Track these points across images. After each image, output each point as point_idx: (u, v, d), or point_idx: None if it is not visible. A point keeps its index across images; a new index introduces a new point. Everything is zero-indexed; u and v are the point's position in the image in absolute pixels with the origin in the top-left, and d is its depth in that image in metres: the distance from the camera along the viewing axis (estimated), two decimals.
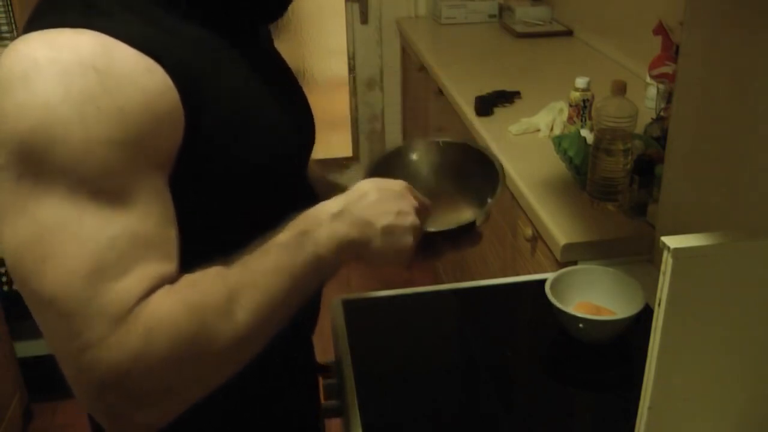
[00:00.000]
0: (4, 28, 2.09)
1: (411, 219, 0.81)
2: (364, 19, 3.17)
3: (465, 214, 0.92)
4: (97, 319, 0.64)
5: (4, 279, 2.16)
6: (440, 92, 2.40)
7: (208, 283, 0.71)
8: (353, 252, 0.79)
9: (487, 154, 0.95)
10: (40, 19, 0.69)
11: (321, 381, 1.16)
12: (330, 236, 0.77)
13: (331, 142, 3.39)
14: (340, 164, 3.41)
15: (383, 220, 0.79)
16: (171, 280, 0.70)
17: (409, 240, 0.81)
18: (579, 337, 1.13)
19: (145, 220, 0.68)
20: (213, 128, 0.73)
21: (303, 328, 1.00)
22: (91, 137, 0.64)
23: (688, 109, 1.21)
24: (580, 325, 1.11)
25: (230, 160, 0.76)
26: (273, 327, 0.75)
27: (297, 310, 0.76)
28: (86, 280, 0.64)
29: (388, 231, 0.79)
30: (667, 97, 1.66)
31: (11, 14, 2.11)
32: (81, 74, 0.64)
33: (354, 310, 1.20)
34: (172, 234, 0.71)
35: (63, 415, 2.32)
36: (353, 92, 3.29)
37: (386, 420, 1.02)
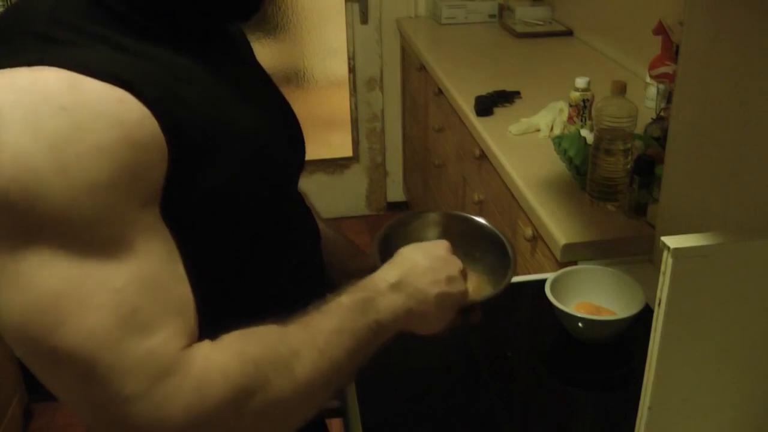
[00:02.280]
0: None
1: (460, 285, 0.84)
2: (364, 19, 3.17)
3: (487, 286, 0.95)
4: (135, 374, 0.60)
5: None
6: (440, 92, 2.40)
7: (265, 337, 0.69)
8: (410, 321, 0.81)
9: (492, 229, 0.99)
10: None
11: None
12: (389, 306, 0.79)
13: (331, 142, 3.39)
14: (340, 164, 3.41)
15: (436, 288, 0.82)
16: (195, 330, 0.67)
17: (457, 307, 0.84)
18: (579, 337, 1.13)
19: (150, 261, 0.63)
20: (193, 151, 0.68)
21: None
22: (73, 185, 0.58)
23: (688, 109, 1.21)
24: (580, 325, 1.11)
25: (214, 180, 0.71)
26: (331, 388, 0.74)
27: (354, 373, 0.77)
28: (109, 337, 0.59)
29: (441, 299, 0.82)
30: (667, 97, 1.66)
31: None
32: (49, 116, 0.58)
33: None
34: (179, 270, 0.67)
35: (63, 415, 2.32)
36: (353, 92, 3.29)
37: (386, 420, 1.02)
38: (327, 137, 3.39)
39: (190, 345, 0.65)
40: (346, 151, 3.40)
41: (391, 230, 0.98)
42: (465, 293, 0.84)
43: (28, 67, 0.61)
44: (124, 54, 0.66)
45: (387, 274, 0.81)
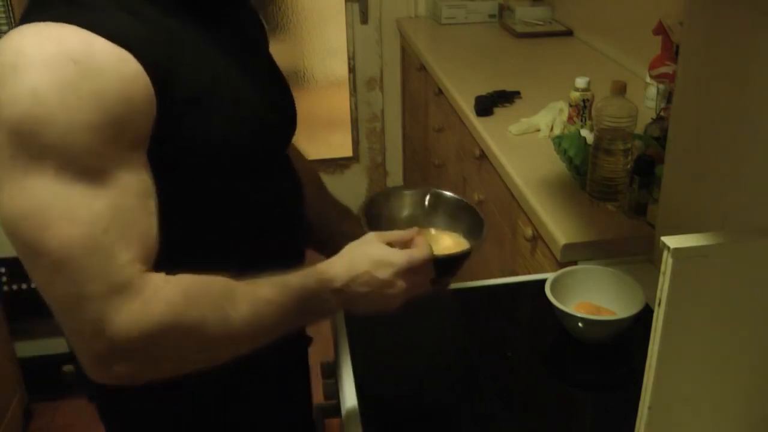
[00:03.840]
0: (4, 28, 2.09)
1: (400, 290, 0.91)
2: (364, 19, 3.17)
3: (460, 244, 1.03)
4: (96, 279, 0.73)
5: (4, 279, 2.16)
6: (440, 92, 2.40)
7: (213, 285, 0.81)
8: (343, 310, 0.95)
9: (473, 207, 1.06)
10: (31, 13, 0.77)
11: (322, 383, 1.16)
12: (327, 304, 0.89)
13: (331, 142, 3.39)
14: (340, 164, 3.41)
15: (376, 294, 0.90)
16: (153, 259, 0.79)
17: (396, 302, 0.91)
18: (579, 337, 1.13)
19: (126, 194, 0.76)
20: (183, 110, 0.81)
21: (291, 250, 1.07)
22: (73, 121, 0.72)
23: (688, 109, 1.21)
24: (580, 325, 1.11)
25: (200, 139, 0.84)
26: (256, 343, 0.85)
27: (282, 334, 0.88)
28: (80, 245, 0.73)
29: (379, 300, 0.91)
30: (667, 97, 1.66)
31: (11, 14, 2.11)
32: (63, 65, 0.72)
33: None
34: (150, 207, 0.79)
35: (63, 415, 2.32)
36: (353, 92, 3.29)
37: (386, 420, 1.02)
38: (327, 137, 3.39)
39: (146, 271, 0.77)
40: (346, 151, 3.40)
41: (376, 197, 1.07)
42: (404, 292, 0.91)
43: (55, 23, 0.74)
44: (136, 20, 0.79)
45: (336, 275, 0.89)
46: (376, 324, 1.19)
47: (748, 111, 1.05)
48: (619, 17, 2.43)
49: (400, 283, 0.90)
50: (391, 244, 0.93)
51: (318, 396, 1.20)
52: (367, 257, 0.91)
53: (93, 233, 0.73)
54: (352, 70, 3.24)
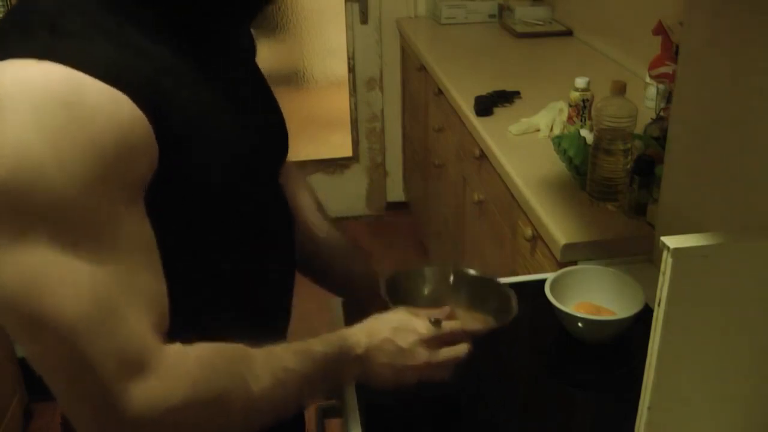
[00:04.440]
0: None
1: (420, 360, 0.88)
2: (364, 19, 3.17)
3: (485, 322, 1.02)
4: (110, 358, 0.65)
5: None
6: (440, 92, 2.40)
7: (233, 355, 0.76)
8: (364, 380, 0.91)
9: (502, 287, 1.04)
10: (9, 43, 0.66)
11: None
12: (348, 372, 0.88)
13: (331, 142, 3.39)
14: (340, 164, 3.41)
15: (396, 363, 0.88)
16: (166, 321, 0.72)
17: (414, 375, 0.89)
18: (579, 337, 1.13)
19: (130, 252, 0.68)
20: (176, 147, 0.72)
21: (273, 332, 0.98)
22: (68, 177, 0.62)
23: (688, 109, 1.21)
24: (580, 325, 1.11)
25: (193, 176, 0.75)
26: (278, 414, 0.81)
27: (307, 404, 0.88)
28: (88, 321, 0.64)
29: (398, 370, 0.88)
30: (667, 97, 1.66)
31: None
32: (52, 110, 0.62)
33: (354, 309, 1.20)
34: (156, 265, 0.71)
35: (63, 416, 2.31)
36: (353, 92, 3.29)
37: (386, 420, 1.02)
38: (327, 137, 3.39)
39: (161, 338, 0.70)
40: (346, 151, 3.40)
41: (397, 276, 1.04)
42: (421, 365, 0.89)
43: (37, 60, 0.64)
44: (124, 49, 0.69)
45: (356, 345, 0.87)
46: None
47: (748, 111, 1.05)
48: (619, 17, 2.43)
49: (422, 353, 0.88)
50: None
51: None
52: (389, 324, 0.89)
53: (99, 304, 0.64)
54: (351, 70, 3.24)
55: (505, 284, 1.03)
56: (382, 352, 0.87)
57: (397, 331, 0.88)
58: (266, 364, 0.77)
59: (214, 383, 0.72)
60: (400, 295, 1.00)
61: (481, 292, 1.04)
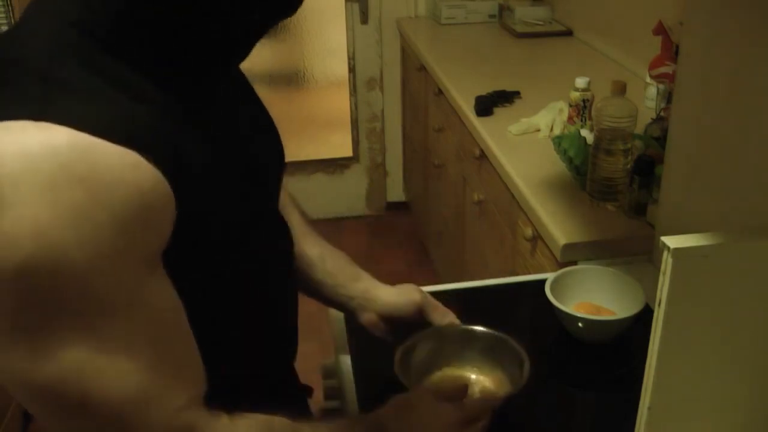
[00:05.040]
0: (4, 28, 2.10)
1: None
2: (364, 19, 3.17)
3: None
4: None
5: None
6: (440, 92, 2.40)
7: (278, 428, 0.76)
8: None
9: (514, 345, 1.02)
10: None
11: (322, 384, 1.16)
12: None
13: (331, 142, 3.39)
14: (340, 164, 3.41)
15: None
16: (203, 380, 0.70)
17: None
18: (579, 337, 1.13)
19: (162, 322, 0.65)
20: (191, 199, 0.67)
21: (283, 355, 0.99)
22: (93, 256, 0.57)
23: (688, 109, 1.21)
24: (580, 325, 1.11)
25: (205, 229, 0.71)
26: None
27: None
28: (134, 402, 0.62)
29: None
30: (667, 97, 1.66)
31: (11, 13, 2.11)
32: (67, 188, 0.56)
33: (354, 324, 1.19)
34: (187, 328, 0.69)
35: None
36: (353, 92, 3.29)
37: None
38: (327, 137, 3.39)
39: (204, 407, 0.69)
40: (346, 151, 3.40)
41: (409, 342, 1.02)
42: None
43: (34, 122, 0.57)
44: (132, 100, 0.63)
45: (390, 426, 0.85)
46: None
47: (747, 111, 1.05)
48: (619, 17, 2.43)
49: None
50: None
51: (318, 396, 1.20)
52: (420, 417, 0.87)
53: (141, 383, 0.62)
54: (352, 70, 3.24)
55: (515, 342, 1.02)
56: None
57: (428, 426, 0.86)
58: None
59: None
60: (409, 362, 1.00)
61: (493, 350, 1.03)
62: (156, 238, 0.62)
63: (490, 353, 1.03)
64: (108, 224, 0.57)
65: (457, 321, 1.06)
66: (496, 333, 1.03)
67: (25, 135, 0.56)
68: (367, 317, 1.05)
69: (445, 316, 1.05)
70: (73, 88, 0.60)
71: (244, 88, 0.91)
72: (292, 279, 0.97)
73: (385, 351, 1.01)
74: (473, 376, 1.02)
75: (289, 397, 1.02)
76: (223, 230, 0.73)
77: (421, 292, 1.06)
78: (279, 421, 0.76)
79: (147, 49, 0.67)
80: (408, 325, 1.04)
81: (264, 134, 0.92)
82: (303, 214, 1.09)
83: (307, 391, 1.08)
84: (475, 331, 1.04)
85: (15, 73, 0.61)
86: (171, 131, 0.66)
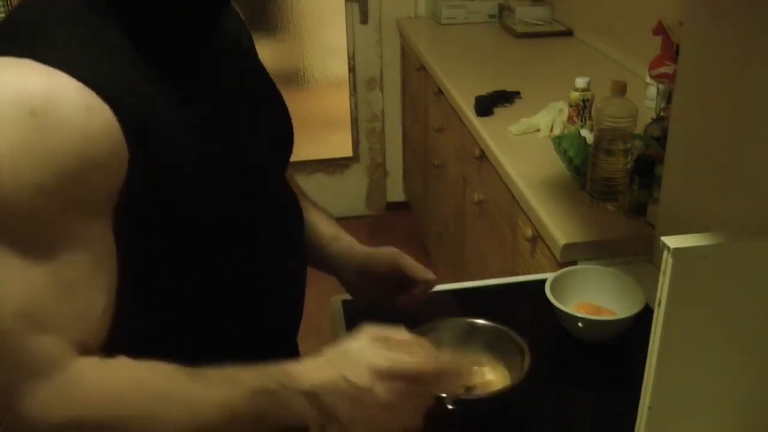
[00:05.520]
0: None
1: (380, 400, 0.74)
2: (364, 19, 3.17)
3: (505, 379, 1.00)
4: (18, 363, 0.66)
5: None
6: (440, 92, 2.40)
7: (146, 380, 0.71)
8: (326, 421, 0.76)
9: (515, 338, 1.02)
10: None
11: None
12: (290, 408, 0.74)
13: (331, 142, 3.39)
14: (340, 164, 3.41)
15: (347, 415, 0.74)
16: (93, 342, 0.70)
17: (383, 420, 0.75)
18: (579, 337, 1.13)
19: (71, 269, 0.67)
20: (164, 173, 0.71)
21: (286, 330, 0.99)
22: (22, 186, 0.63)
23: (688, 109, 1.21)
24: (580, 325, 1.11)
25: (187, 205, 0.75)
26: None
27: None
28: (8, 323, 0.65)
29: (361, 413, 0.75)
30: (667, 97, 1.66)
31: None
32: (16, 118, 0.63)
33: (354, 310, 1.20)
34: (100, 283, 0.70)
35: None
36: (353, 92, 3.29)
37: None
38: (327, 137, 3.39)
39: (79, 354, 0.69)
40: (346, 151, 3.40)
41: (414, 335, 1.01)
42: (384, 406, 0.75)
43: (17, 58, 0.65)
44: (112, 63, 0.69)
45: (307, 375, 0.75)
46: (376, 324, 1.19)
47: (747, 111, 1.05)
48: (619, 17, 2.43)
49: (380, 392, 0.73)
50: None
51: None
52: (344, 357, 0.76)
53: (21, 311, 0.65)
54: (352, 70, 3.24)
55: (517, 335, 1.02)
56: (335, 391, 0.74)
57: (350, 366, 0.75)
58: (184, 396, 0.71)
59: (113, 410, 0.69)
60: None
61: (495, 343, 1.03)
62: (94, 186, 0.67)
63: (491, 346, 1.04)
64: (44, 158, 0.63)
65: (434, 277, 1.06)
66: (498, 326, 1.04)
67: (5, 69, 0.65)
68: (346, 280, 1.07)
69: (426, 273, 1.06)
70: (58, 41, 0.67)
71: (249, 67, 0.94)
72: (295, 256, 0.95)
73: None
74: (476, 367, 1.03)
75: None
76: (203, 203, 0.76)
77: (400, 252, 1.06)
78: (152, 373, 0.71)
79: (129, 8, 0.72)
80: (408, 321, 1.04)
81: (265, 105, 0.93)
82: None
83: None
84: (476, 325, 1.05)
85: (12, 29, 0.70)
86: (145, 86, 0.70)
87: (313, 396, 0.73)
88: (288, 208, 0.96)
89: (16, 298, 0.65)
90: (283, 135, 0.96)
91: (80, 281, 0.68)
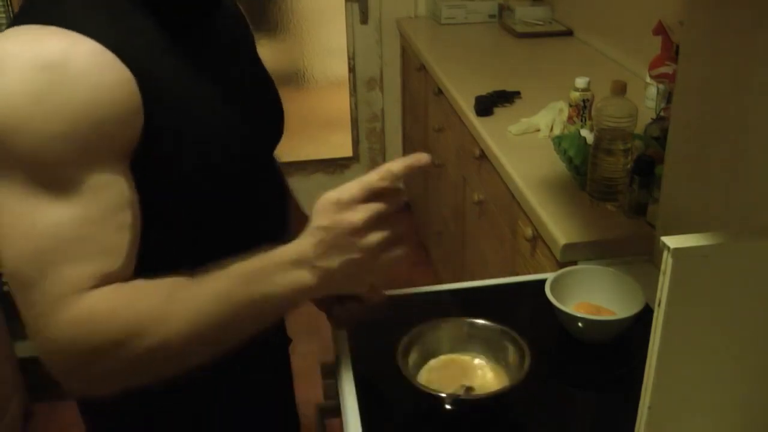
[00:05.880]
0: (4, 27, 2.10)
1: (367, 248, 0.76)
2: (364, 19, 3.17)
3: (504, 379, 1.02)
4: (41, 297, 0.72)
5: (4, 279, 2.16)
6: (440, 92, 2.40)
7: (157, 291, 0.76)
8: (311, 296, 0.80)
9: (515, 337, 1.03)
10: (20, 16, 0.75)
11: (322, 384, 1.16)
12: (285, 281, 0.76)
13: (331, 142, 3.39)
14: (340, 164, 3.41)
15: (340, 261, 0.76)
16: (117, 276, 0.75)
17: (371, 271, 0.78)
18: (579, 337, 1.13)
19: (92, 211, 0.73)
20: (163, 127, 0.78)
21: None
22: (44, 131, 0.70)
23: (688, 109, 1.21)
24: (580, 325, 1.11)
25: (179, 160, 0.81)
26: (210, 347, 0.78)
27: (242, 337, 0.78)
28: (32, 259, 0.71)
29: (348, 268, 0.77)
30: (667, 97, 1.66)
31: (11, 14, 2.11)
32: (39, 71, 0.69)
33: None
34: (122, 221, 0.76)
35: (63, 415, 2.32)
36: (353, 92, 3.29)
37: (386, 420, 1.02)
38: (327, 137, 3.39)
39: (96, 285, 0.74)
40: (346, 151, 3.40)
41: (411, 334, 1.04)
42: (375, 253, 0.77)
43: (39, 25, 0.72)
44: (123, 26, 0.77)
45: (290, 249, 0.77)
46: (376, 324, 1.19)
47: (748, 111, 1.05)
48: (619, 17, 2.43)
49: (360, 219, 0.75)
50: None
51: (318, 396, 1.20)
52: (316, 221, 0.77)
53: (48, 247, 0.71)
54: (352, 70, 3.24)
55: (517, 335, 1.02)
56: (322, 245, 0.75)
57: (329, 220, 0.76)
58: (189, 295, 0.75)
59: (127, 320, 0.73)
60: (411, 353, 1.02)
61: (495, 344, 1.04)
62: (111, 134, 0.73)
63: (491, 346, 1.04)
64: (66, 106, 0.70)
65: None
66: (498, 326, 1.04)
67: (28, 30, 0.73)
68: None
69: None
70: (76, 9, 0.75)
71: (244, 51, 1.01)
72: (281, 229, 1.00)
73: (385, 351, 1.01)
74: (476, 361, 1.05)
75: (266, 345, 1.04)
76: (197, 167, 0.82)
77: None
78: (159, 284, 0.76)
79: None
80: (408, 321, 1.05)
81: (261, 94, 1.01)
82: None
83: (286, 341, 1.15)
84: (476, 325, 1.06)
85: (30, 4, 0.78)
86: (153, 49, 0.79)
87: (302, 261, 0.76)
88: (275, 175, 1.03)
89: (43, 234, 0.71)
90: (277, 118, 1.03)
91: (103, 219, 0.74)
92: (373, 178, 0.76)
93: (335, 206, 0.76)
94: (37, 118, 0.69)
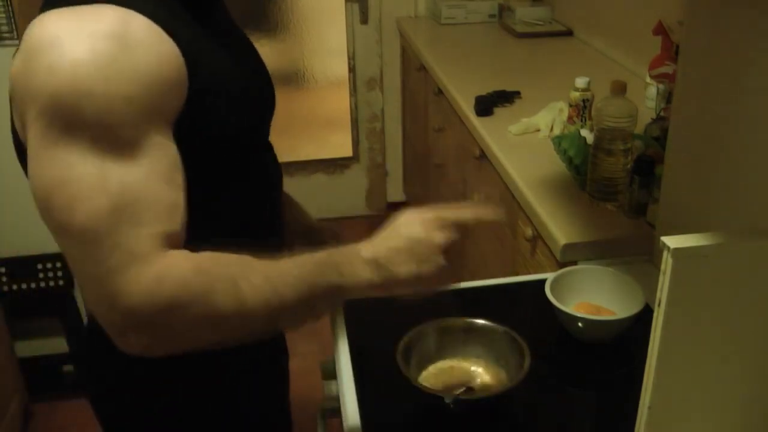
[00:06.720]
0: (4, 28, 2.09)
1: (432, 266, 0.86)
2: (364, 19, 3.17)
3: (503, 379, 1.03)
4: (117, 252, 0.73)
5: (4, 279, 2.17)
6: (440, 92, 2.40)
7: (231, 261, 0.79)
8: (374, 291, 0.86)
9: (515, 338, 1.03)
10: (50, 1, 0.79)
11: (322, 384, 1.16)
12: (354, 276, 0.83)
13: (331, 142, 3.39)
14: (340, 164, 3.41)
15: (407, 269, 0.84)
16: (179, 236, 0.78)
17: (431, 282, 0.87)
18: (579, 337, 1.13)
19: (157, 170, 0.77)
20: (198, 98, 0.83)
21: (274, 228, 1.08)
22: (112, 94, 0.74)
23: (688, 109, 1.21)
24: (580, 325, 1.11)
25: (211, 124, 0.86)
26: (273, 325, 0.84)
27: (302, 322, 0.84)
28: (108, 217, 0.73)
29: (409, 279, 0.85)
30: (667, 97, 1.66)
31: (11, 14, 2.11)
32: (104, 39, 0.74)
33: (354, 310, 1.20)
34: (179, 181, 0.80)
35: (63, 415, 2.32)
36: (353, 92, 3.29)
37: (386, 420, 1.02)
38: (327, 137, 3.39)
39: (170, 247, 0.77)
40: (346, 151, 3.40)
41: (410, 335, 1.05)
42: (437, 274, 0.86)
43: (90, 5, 0.77)
44: (161, 6, 0.82)
45: (366, 248, 0.85)
46: (376, 324, 1.20)
47: (748, 111, 1.06)
48: (619, 17, 2.43)
49: (433, 236, 0.85)
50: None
51: (318, 396, 1.20)
52: (394, 228, 0.87)
53: (120, 205, 0.74)
54: (352, 70, 3.24)
55: (517, 335, 1.03)
56: (394, 251, 0.84)
57: (407, 231, 0.86)
58: (262, 269, 0.79)
59: (202, 284, 0.75)
60: (410, 355, 1.02)
61: (494, 344, 1.04)
62: (165, 100, 0.79)
63: (491, 346, 1.05)
64: (129, 72, 0.75)
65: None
66: (498, 326, 1.05)
67: (81, 8, 0.77)
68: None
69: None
70: None
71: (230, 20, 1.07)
72: (277, 194, 1.08)
73: (385, 351, 1.01)
74: (474, 368, 1.05)
75: (267, 356, 1.11)
76: (231, 128, 0.89)
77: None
78: (233, 255, 0.79)
79: None
80: (408, 321, 1.06)
81: (257, 63, 1.07)
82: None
83: (286, 355, 1.19)
84: (476, 325, 1.06)
85: None
86: (188, 27, 0.85)
87: (374, 261, 0.83)
88: (273, 152, 1.08)
89: (112, 195, 0.73)
90: (272, 89, 1.08)
91: (164, 180, 0.78)
92: (467, 215, 0.88)
93: (427, 222, 0.86)
94: (105, 81, 0.73)
